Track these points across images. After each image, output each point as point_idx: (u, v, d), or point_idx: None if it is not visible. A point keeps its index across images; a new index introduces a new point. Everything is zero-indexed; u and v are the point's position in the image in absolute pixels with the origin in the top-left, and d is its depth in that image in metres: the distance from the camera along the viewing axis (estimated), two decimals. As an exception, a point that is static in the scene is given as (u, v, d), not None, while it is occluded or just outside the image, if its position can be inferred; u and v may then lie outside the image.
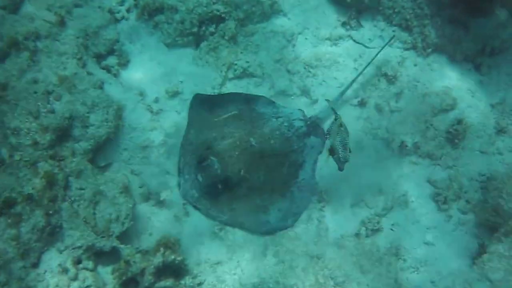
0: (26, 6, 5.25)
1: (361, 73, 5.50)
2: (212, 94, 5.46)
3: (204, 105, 5.30)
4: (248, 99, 5.39)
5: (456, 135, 5.31)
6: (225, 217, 4.91)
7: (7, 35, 4.91)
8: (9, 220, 4.36)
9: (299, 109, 5.43)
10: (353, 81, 5.46)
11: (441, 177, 5.27)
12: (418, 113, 5.45)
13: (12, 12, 5.14)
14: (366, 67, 5.52)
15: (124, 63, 5.65)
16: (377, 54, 5.55)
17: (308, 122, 5.29)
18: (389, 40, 5.73)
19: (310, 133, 5.27)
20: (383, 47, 5.61)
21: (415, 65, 5.80)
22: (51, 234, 4.50)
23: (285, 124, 5.24)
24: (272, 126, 5.19)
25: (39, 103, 4.75)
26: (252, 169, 4.99)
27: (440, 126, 5.40)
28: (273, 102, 5.42)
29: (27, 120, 4.67)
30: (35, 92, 4.80)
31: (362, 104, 5.65)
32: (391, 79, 5.69)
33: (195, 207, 4.99)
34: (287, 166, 5.12)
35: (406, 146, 5.32)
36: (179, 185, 5.03)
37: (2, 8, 5.05)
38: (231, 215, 4.90)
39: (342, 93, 5.46)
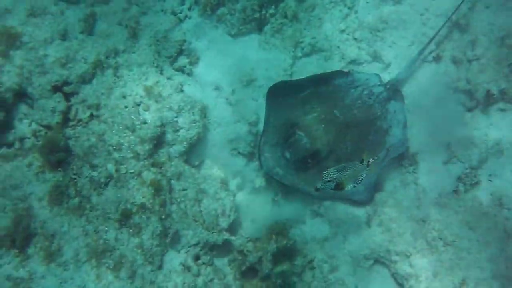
0: (99, 24, 5.46)
1: (438, 32, 5.40)
2: (286, 80, 5.50)
3: (280, 91, 5.36)
4: (322, 77, 5.40)
5: (543, 75, 5.19)
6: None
7: (91, 57, 5.14)
8: (131, 230, 4.70)
9: (374, 74, 5.43)
10: (431, 40, 5.39)
11: (533, 119, 5.18)
12: (499, 58, 5.32)
13: (89, 34, 5.35)
14: (444, 24, 5.42)
15: (195, 61, 5.80)
16: (456, 10, 5.42)
17: (388, 86, 5.29)
18: None
19: (390, 98, 5.28)
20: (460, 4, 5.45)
21: (487, 7, 5.60)
22: (168, 237, 4.79)
23: (365, 92, 5.26)
24: (352, 96, 5.23)
25: (132, 117, 5.00)
26: (339, 141, 5.07)
27: (525, 68, 5.27)
28: (347, 72, 5.43)
29: (125, 134, 4.94)
30: (126, 107, 5.06)
31: (437, 59, 5.56)
32: (463, 27, 5.56)
33: (283, 183, 5.07)
34: (373, 133, 5.17)
35: (493, 94, 5.23)
36: (260, 163, 5.08)
37: (81, 33, 5.26)
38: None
39: (420, 52, 5.40)
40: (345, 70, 5.49)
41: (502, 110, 5.29)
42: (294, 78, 5.60)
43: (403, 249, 4.71)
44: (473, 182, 5.01)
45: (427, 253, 4.67)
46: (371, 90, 5.27)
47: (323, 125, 5.06)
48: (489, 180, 5.05)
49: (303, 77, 5.39)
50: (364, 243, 4.86)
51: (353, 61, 5.64)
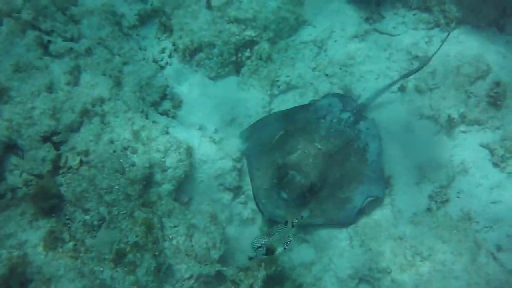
0: (84, 76, 5.76)
1: (408, 75, 5.94)
2: (254, 124, 5.86)
3: (254, 137, 5.75)
4: (287, 116, 5.78)
5: (497, 97, 5.67)
6: (322, 219, 5.34)
7: (78, 107, 5.43)
8: (126, 269, 4.89)
9: (332, 95, 5.88)
10: (396, 82, 5.94)
11: (492, 139, 5.63)
12: (457, 85, 5.82)
13: (75, 85, 5.65)
14: (423, 65, 5.93)
15: (178, 105, 6.14)
16: (436, 52, 5.95)
17: (354, 111, 5.70)
18: (446, 37, 6.04)
19: (358, 120, 5.69)
20: (440, 46, 5.96)
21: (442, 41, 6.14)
22: (162, 272, 5.00)
23: (334, 120, 5.65)
24: (325, 126, 5.61)
25: (121, 160, 5.26)
26: (328, 170, 5.42)
27: (480, 92, 5.76)
28: (308, 104, 5.84)
29: (115, 177, 5.18)
30: (114, 151, 5.32)
31: (402, 89, 6.03)
32: (423, 60, 6.06)
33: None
34: (353, 154, 5.54)
35: (453, 118, 5.69)
36: (260, 211, 5.43)
37: (67, 84, 5.55)
38: (324, 216, 5.34)
39: (388, 87, 5.91)
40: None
41: (463, 132, 5.74)
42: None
43: (384, 266, 5.02)
44: (444, 199, 5.40)
45: (406, 268, 4.98)
46: (339, 117, 5.67)
47: (310, 160, 5.40)
48: (458, 197, 5.45)
49: (266, 116, 5.86)
50: (348, 263, 5.16)
51: (325, 95, 6.04)
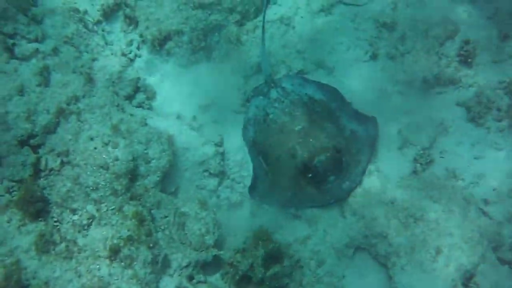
0: (54, 76, 5.63)
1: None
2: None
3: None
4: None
5: (467, 55, 5.78)
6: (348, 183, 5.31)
7: (53, 107, 5.29)
8: (123, 263, 4.81)
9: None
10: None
11: (467, 97, 5.74)
12: (427, 48, 5.89)
13: (46, 86, 5.51)
14: None
15: (152, 96, 6.07)
16: None
17: (271, 83, 5.79)
18: None
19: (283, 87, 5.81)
20: None
21: (408, 6, 6.21)
22: (159, 263, 4.94)
23: (275, 104, 5.69)
24: (281, 107, 5.65)
25: (104, 156, 5.16)
26: (325, 136, 5.37)
27: (450, 52, 5.85)
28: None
29: (100, 173, 5.09)
30: (95, 148, 5.21)
31: (374, 57, 6.09)
32: (391, 26, 6.13)
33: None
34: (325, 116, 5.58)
35: (428, 80, 5.77)
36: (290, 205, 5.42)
37: (38, 86, 5.40)
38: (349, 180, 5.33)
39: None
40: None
41: (439, 93, 5.83)
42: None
43: (379, 231, 5.07)
44: (428, 161, 5.48)
45: (401, 230, 5.05)
46: (273, 98, 5.73)
47: (310, 140, 5.32)
48: (441, 157, 5.54)
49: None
50: (343, 233, 5.19)
51: (300, 71, 6.04)
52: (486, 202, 5.24)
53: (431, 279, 4.90)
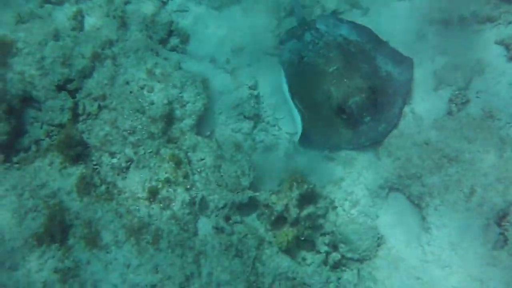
0: (87, 20, 5.65)
1: None
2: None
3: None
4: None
5: (508, -9, 5.59)
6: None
7: (88, 52, 5.34)
8: (161, 205, 4.97)
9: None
10: None
11: (506, 34, 5.57)
12: (465, -16, 5.71)
13: (80, 30, 5.54)
14: None
15: (186, 39, 6.05)
16: None
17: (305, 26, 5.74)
18: None
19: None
20: None
21: None
22: (196, 204, 5.09)
23: (310, 46, 5.67)
24: (314, 53, 5.61)
25: (140, 99, 5.25)
26: (359, 78, 5.39)
27: (490, -12, 5.66)
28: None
29: (136, 117, 5.18)
30: (131, 92, 5.29)
31: (409, -3, 5.93)
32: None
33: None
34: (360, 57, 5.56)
35: (465, 18, 5.61)
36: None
37: (73, 30, 5.44)
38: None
39: None
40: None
41: (476, 31, 5.68)
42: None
43: (413, 172, 5.10)
44: (464, 101, 5.41)
45: (435, 171, 5.07)
46: (308, 40, 5.69)
47: (344, 80, 5.34)
48: (477, 97, 5.45)
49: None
50: (377, 174, 5.24)
51: (334, 12, 5.93)
52: (523, 142, 5.19)
53: (464, 219, 4.95)
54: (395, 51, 5.53)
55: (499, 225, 4.99)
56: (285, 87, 5.54)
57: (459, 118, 5.33)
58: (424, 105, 5.50)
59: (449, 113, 5.43)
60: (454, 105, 5.43)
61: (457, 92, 5.46)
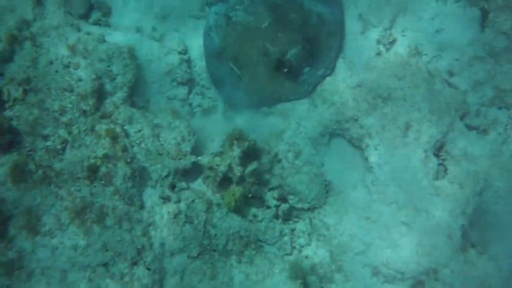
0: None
1: None
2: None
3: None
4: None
5: None
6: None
7: (3, 35, 5.10)
8: (102, 182, 4.86)
9: None
10: None
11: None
12: None
13: (-9, 13, 5.28)
14: None
15: (108, 12, 5.81)
16: None
17: None
18: None
19: None
20: None
21: None
22: (139, 176, 5.01)
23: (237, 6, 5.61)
24: (242, 12, 5.56)
25: (67, 78, 5.07)
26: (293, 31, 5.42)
27: None
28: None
29: (65, 96, 5.02)
30: (56, 71, 5.11)
31: None
32: None
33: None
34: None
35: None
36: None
37: (-17, 14, 5.17)
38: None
39: None
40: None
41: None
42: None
43: (350, 115, 5.17)
44: (390, 40, 5.48)
45: (371, 111, 5.16)
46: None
47: (279, 34, 5.34)
48: (403, 35, 5.52)
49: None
50: (316, 122, 5.29)
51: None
52: (450, 73, 5.32)
53: (404, 154, 5.08)
54: None
55: (437, 156, 5.14)
56: (212, 52, 5.53)
57: (388, 57, 5.41)
58: (352, 47, 5.54)
59: (378, 53, 5.49)
60: (382, 45, 5.50)
61: (383, 33, 5.52)
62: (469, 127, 5.19)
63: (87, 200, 4.84)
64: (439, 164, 5.14)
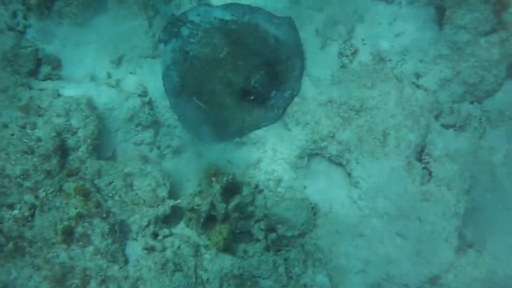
0: None
1: None
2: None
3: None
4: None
5: None
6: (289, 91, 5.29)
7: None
8: (80, 243, 4.56)
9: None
10: None
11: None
12: None
13: None
14: None
15: (57, 64, 5.56)
16: None
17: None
18: None
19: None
20: None
21: None
22: (118, 231, 4.72)
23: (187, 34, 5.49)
24: (197, 41, 5.42)
25: (25, 140, 4.77)
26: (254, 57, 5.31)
27: None
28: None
29: (26, 159, 4.71)
30: (12, 134, 4.80)
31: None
32: None
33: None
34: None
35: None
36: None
37: None
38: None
39: None
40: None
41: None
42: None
43: (326, 133, 5.04)
44: (352, 51, 5.41)
45: (346, 126, 5.05)
46: (182, 34, 5.48)
47: (240, 62, 5.22)
48: (364, 44, 5.48)
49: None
50: (292, 145, 5.14)
51: (201, -2, 5.73)
52: (417, 75, 5.29)
53: (386, 164, 4.97)
54: (272, 15, 5.43)
55: (419, 160, 5.05)
56: (173, 90, 5.34)
57: (353, 68, 5.33)
58: (316, 65, 5.45)
59: (343, 66, 5.42)
60: (345, 57, 5.43)
61: (343, 45, 5.45)
62: (446, 126, 5.14)
63: (67, 265, 4.52)
64: (423, 168, 5.05)
